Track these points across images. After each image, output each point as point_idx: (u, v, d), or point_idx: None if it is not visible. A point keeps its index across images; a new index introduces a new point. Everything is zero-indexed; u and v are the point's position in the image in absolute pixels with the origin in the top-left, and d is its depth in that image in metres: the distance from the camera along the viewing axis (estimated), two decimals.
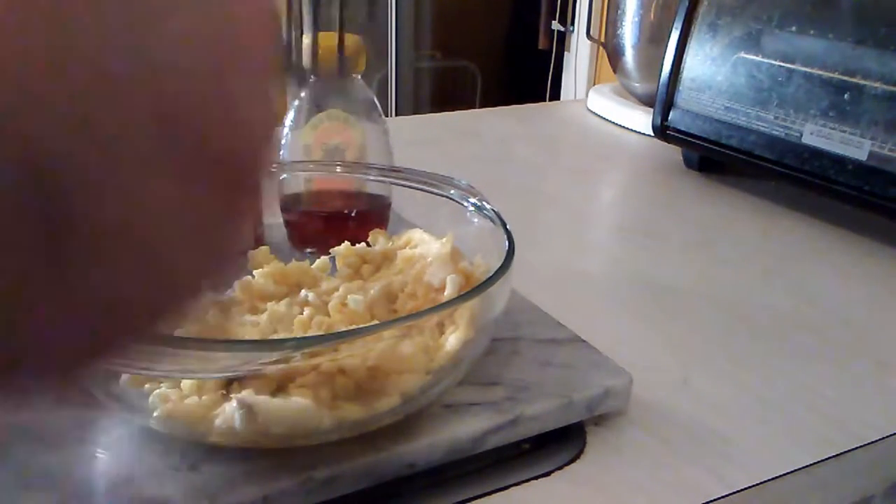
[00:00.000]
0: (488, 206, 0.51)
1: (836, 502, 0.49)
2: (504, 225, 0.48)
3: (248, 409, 0.37)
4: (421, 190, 0.55)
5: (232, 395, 0.39)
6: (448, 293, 0.46)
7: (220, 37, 0.14)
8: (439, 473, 0.43)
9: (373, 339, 0.39)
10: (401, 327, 0.40)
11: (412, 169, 0.56)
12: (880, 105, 0.71)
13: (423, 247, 0.52)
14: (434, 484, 0.43)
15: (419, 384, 0.41)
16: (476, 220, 0.52)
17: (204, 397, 0.40)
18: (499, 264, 0.44)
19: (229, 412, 0.38)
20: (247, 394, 0.39)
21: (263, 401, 0.38)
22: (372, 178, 0.61)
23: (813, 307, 0.64)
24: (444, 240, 0.51)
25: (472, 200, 0.53)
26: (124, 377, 0.41)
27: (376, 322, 0.45)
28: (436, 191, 0.55)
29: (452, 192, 0.54)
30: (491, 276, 0.42)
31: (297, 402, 0.38)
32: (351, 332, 0.39)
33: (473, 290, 0.42)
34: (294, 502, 0.38)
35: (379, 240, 0.55)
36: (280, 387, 0.40)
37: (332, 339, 0.37)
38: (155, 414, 0.39)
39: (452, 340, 0.42)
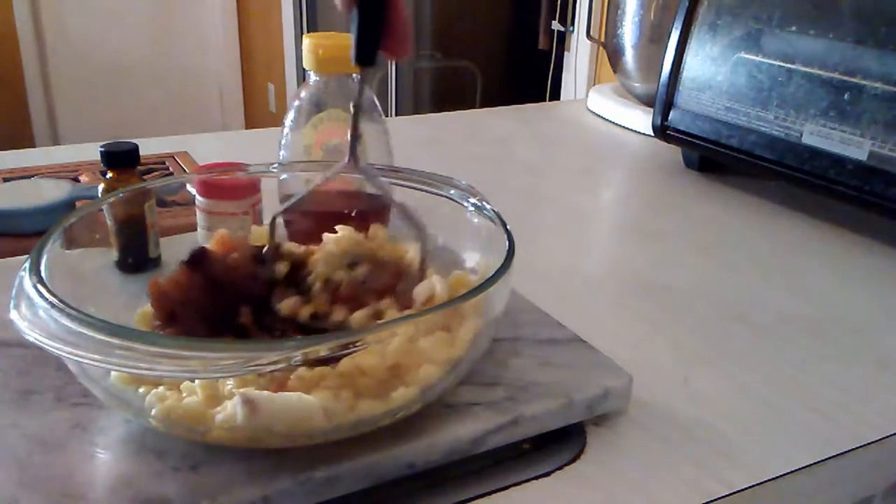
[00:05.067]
0: (488, 207, 0.51)
1: (836, 502, 0.49)
2: (504, 225, 0.48)
3: (250, 405, 0.37)
4: (421, 190, 0.55)
5: (234, 391, 0.39)
6: (439, 292, 0.46)
7: None
8: (439, 473, 0.43)
9: (376, 338, 0.39)
10: (404, 325, 0.40)
11: (412, 169, 0.56)
12: (880, 105, 0.71)
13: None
14: (434, 484, 0.43)
15: (438, 375, 0.41)
16: (476, 219, 0.52)
17: (203, 394, 0.39)
18: (499, 264, 0.44)
19: (231, 408, 0.38)
20: (248, 389, 0.39)
21: (266, 396, 0.38)
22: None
23: (813, 307, 0.64)
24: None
25: (472, 200, 0.53)
26: (114, 375, 0.41)
27: (379, 322, 0.45)
28: (436, 191, 0.55)
29: (452, 192, 0.54)
30: (492, 276, 0.42)
31: (299, 398, 0.38)
32: (352, 333, 0.39)
33: (476, 287, 0.42)
34: (294, 502, 0.38)
35: (379, 234, 0.55)
36: (280, 384, 0.40)
37: (332, 339, 0.37)
38: (153, 412, 0.39)
39: (465, 331, 0.42)
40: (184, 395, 0.40)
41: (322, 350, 0.36)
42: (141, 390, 0.41)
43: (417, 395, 0.40)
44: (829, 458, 0.46)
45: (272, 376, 0.40)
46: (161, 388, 0.40)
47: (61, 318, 0.35)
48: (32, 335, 0.35)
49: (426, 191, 0.55)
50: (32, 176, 0.84)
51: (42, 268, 0.40)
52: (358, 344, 0.38)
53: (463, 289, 0.48)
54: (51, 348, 0.34)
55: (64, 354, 0.35)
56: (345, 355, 0.38)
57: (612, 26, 1.16)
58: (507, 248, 0.46)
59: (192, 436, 0.40)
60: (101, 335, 0.34)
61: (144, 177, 0.68)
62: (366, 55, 0.48)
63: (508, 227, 0.48)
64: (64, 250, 0.46)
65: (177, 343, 0.37)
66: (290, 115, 0.64)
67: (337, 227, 0.52)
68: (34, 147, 3.07)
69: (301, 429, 0.39)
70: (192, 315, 0.43)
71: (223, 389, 0.40)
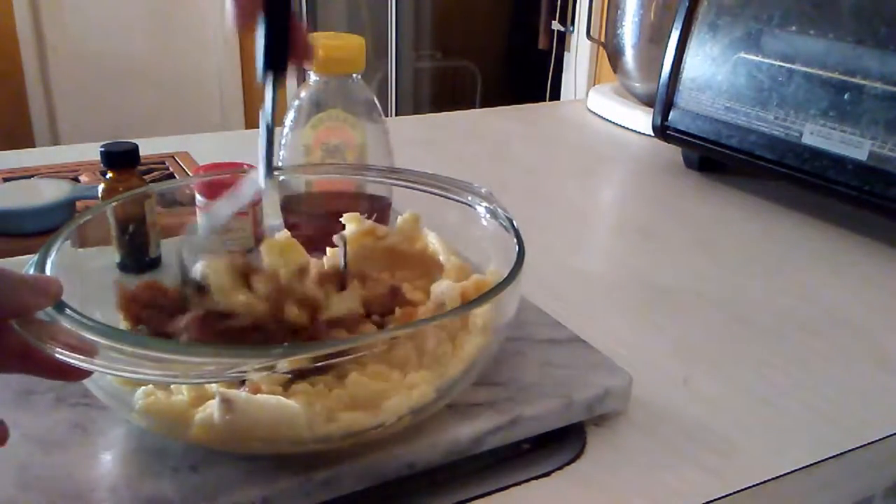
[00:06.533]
0: (502, 213, 0.50)
1: (836, 502, 0.49)
2: (517, 234, 0.47)
3: (226, 403, 0.37)
4: (435, 194, 0.54)
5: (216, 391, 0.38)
6: (450, 299, 0.46)
7: None
8: (439, 473, 0.43)
9: (362, 348, 0.38)
10: (391, 338, 0.40)
11: (430, 173, 0.55)
12: (880, 105, 0.71)
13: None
14: (434, 484, 0.43)
15: (424, 401, 0.40)
16: (482, 222, 0.51)
17: (190, 395, 0.39)
18: (501, 266, 0.43)
19: (211, 408, 0.38)
20: (229, 389, 0.38)
21: (244, 396, 0.38)
22: (372, 178, 0.61)
23: (813, 307, 0.64)
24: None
25: (485, 205, 0.52)
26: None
27: (365, 334, 0.45)
28: (438, 192, 0.54)
29: (460, 194, 0.53)
30: (501, 283, 0.42)
31: (278, 401, 0.37)
32: (336, 343, 0.38)
33: (482, 295, 0.41)
34: (294, 502, 0.38)
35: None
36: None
37: (319, 348, 0.37)
38: (136, 407, 0.38)
39: (468, 349, 0.42)
40: (174, 394, 0.40)
41: (306, 359, 0.36)
42: (140, 389, 0.41)
43: (405, 410, 0.39)
44: (829, 458, 0.46)
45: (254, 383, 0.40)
46: (152, 386, 0.40)
47: (55, 315, 0.35)
48: (22, 331, 0.34)
49: (426, 191, 0.55)
50: (32, 176, 0.84)
51: (48, 267, 0.40)
52: (343, 354, 0.37)
53: (478, 293, 0.47)
54: (37, 345, 0.34)
55: (53, 353, 0.35)
56: (329, 365, 0.38)
57: (612, 26, 1.16)
58: (516, 252, 0.44)
59: (173, 434, 0.39)
60: (90, 335, 0.34)
61: (144, 177, 0.68)
62: (278, 61, 0.48)
63: (520, 232, 0.47)
64: (67, 250, 0.46)
65: (161, 346, 0.37)
66: (290, 115, 0.64)
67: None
68: (34, 147, 3.07)
69: (281, 434, 0.38)
70: (156, 318, 0.43)
71: (211, 391, 0.40)
